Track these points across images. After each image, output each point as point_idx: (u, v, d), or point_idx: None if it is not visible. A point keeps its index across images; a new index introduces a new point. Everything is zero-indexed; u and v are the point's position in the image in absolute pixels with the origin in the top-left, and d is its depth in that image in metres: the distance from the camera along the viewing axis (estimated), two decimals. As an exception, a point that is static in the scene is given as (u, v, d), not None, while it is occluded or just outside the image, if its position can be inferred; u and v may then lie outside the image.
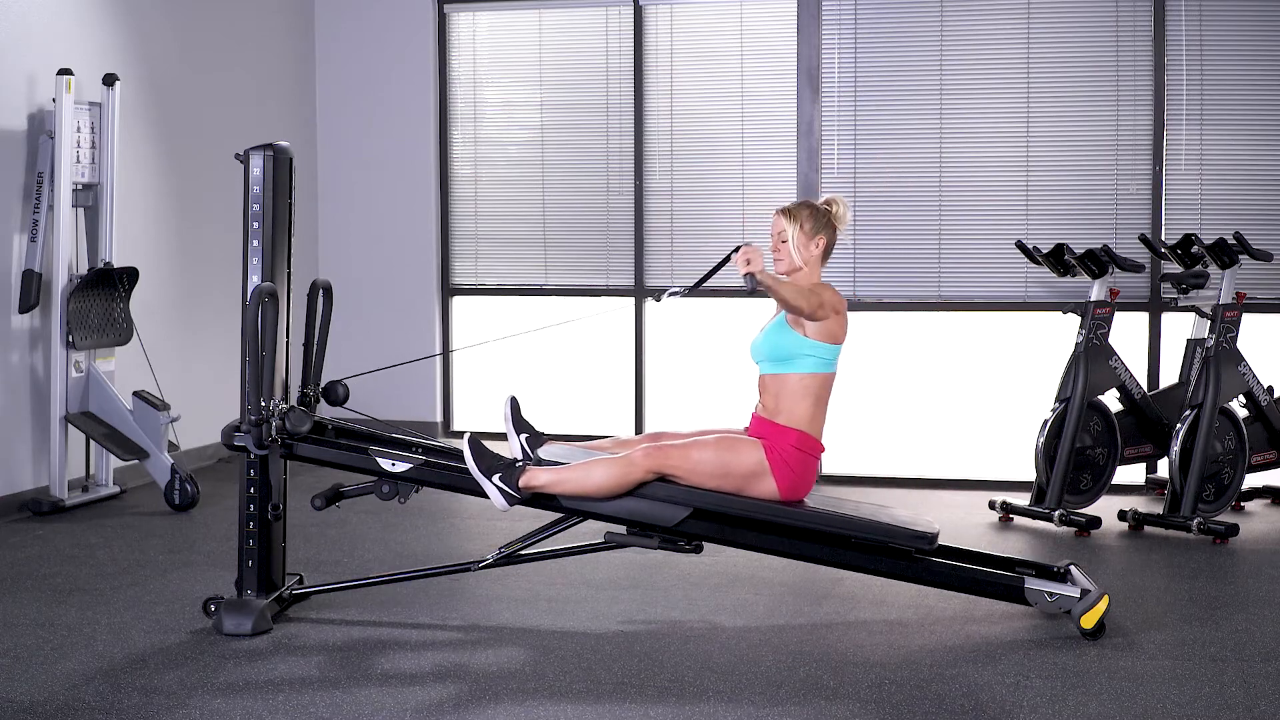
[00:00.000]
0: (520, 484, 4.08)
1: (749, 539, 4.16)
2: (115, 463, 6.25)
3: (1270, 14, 6.55)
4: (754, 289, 4.05)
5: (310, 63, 8.04)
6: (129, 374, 6.28)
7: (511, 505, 4.11)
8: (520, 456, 4.24)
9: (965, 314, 6.91)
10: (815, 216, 4.26)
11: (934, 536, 4.12)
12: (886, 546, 4.13)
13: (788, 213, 4.27)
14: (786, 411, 4.15)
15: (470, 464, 4.10)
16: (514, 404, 4.33)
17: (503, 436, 4.38)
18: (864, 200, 7.00)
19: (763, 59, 7.35)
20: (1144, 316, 6.67)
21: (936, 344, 6.96)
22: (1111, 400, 6.01)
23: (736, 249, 4.12)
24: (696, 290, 4.42)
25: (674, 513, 4.09)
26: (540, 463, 4.18)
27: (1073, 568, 4.33)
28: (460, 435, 7.73)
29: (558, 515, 4.29)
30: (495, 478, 4.08)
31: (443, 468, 4.25)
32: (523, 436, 4.29)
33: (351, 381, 4.52)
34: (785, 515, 4.11)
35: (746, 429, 4.26)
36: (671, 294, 4.40)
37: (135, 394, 6.08)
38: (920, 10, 6.93)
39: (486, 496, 4.11)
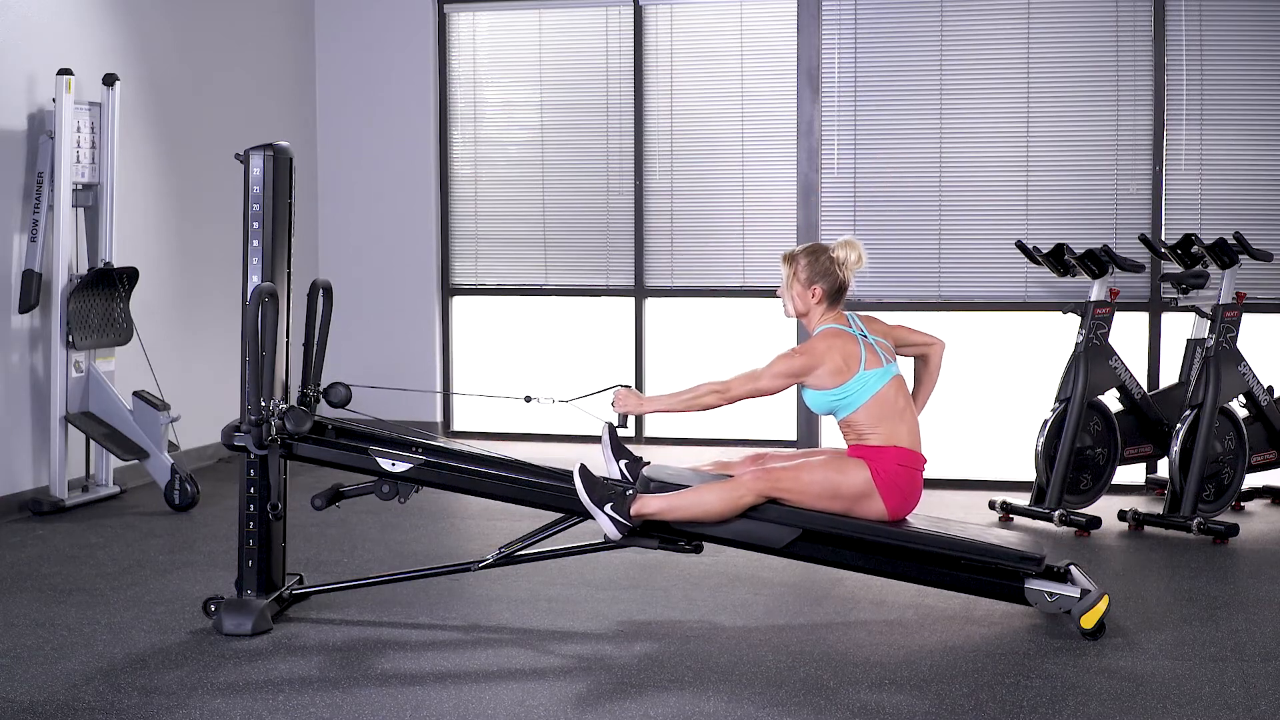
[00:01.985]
0: (632, 512, 4.09)
1: (857, 560, 4.19)
2: (115, 463, 6.25)
3: (1270, 14, 6.55)
4: (623, 424, 4.27)
5: (310, 63, 8.04)
6: (129, 374, 6.28)
7: (624, 535, 4.11)
8: (622, 481, 4.26)
9: (965, 314, 6.91)
10: (813, 265, 4.26)
11: (1042, 559, 4.15)
12: (994, 567, 4.15)
13: (787, 259, 4.31)
14: (871, 436, 4.18)
15: (582, 494, 4.10)
16: (612, 430, 4.34)
17: (505, 438, 4.37)
18: (864, 200, 7.01)
19: (763, 59, 7.35)
20: (1144, 316, 6.67)
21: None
22: (1111, 400, 6.01)
23: (613, 387, 4.30)
24: (573, 401, 4.45)
25: (784, 534, 4.11)
26: (646, 487, 4.18)
27: (1073, 568, 4.33)
28: (460, 436, 7.74)
29: (558, 515, 4.29)
30: (607, 507, 4.09)
31: (443, 468, 4.25)
32: (622, 462, 4.31)
33: (351, 382, 4.52)
34: (893, 536, 4.13)
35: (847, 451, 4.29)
36: (543, 400, 4.51)
37: (135, 394, 6.08)
38: (920, 10, 6.93)
39: (595, 522, 4.14)
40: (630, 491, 4.14)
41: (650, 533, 4.15)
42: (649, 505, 4.09)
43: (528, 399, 4.49)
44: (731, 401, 4.21)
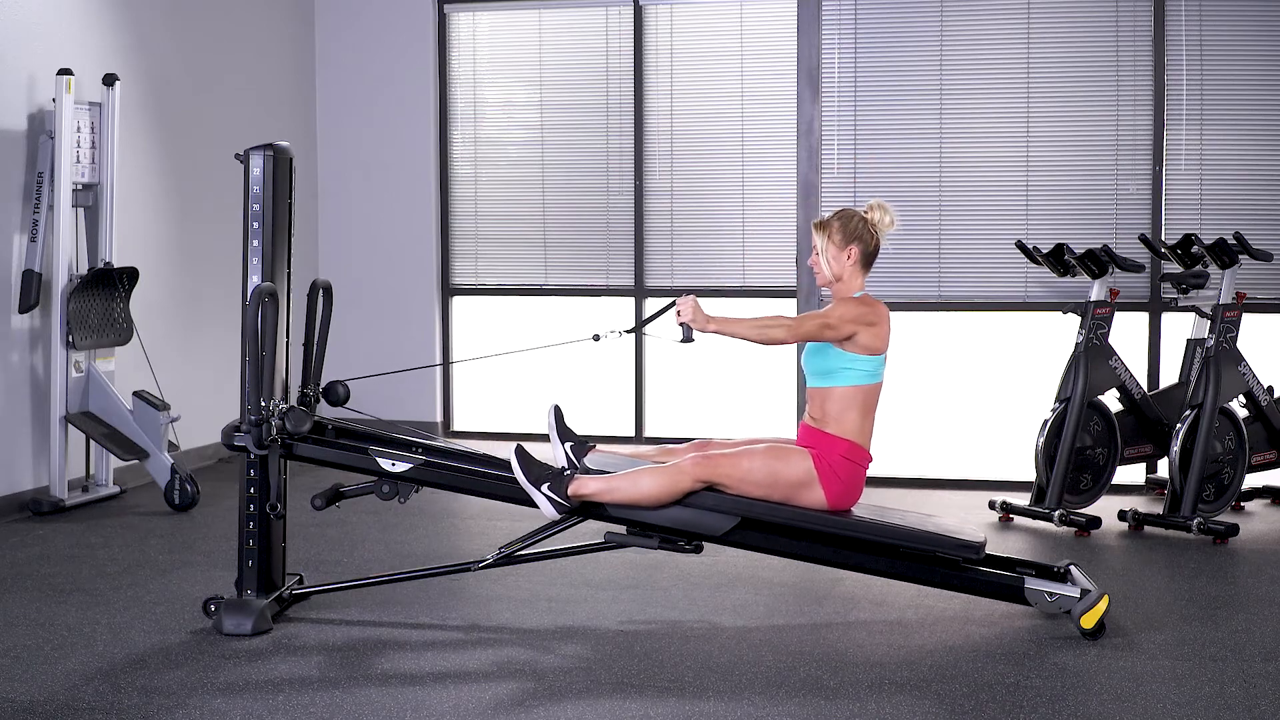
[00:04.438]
0: (569, 493, 4.08)
1: (797, 548, 4.18)
2: (115, 463, 6.25)
3: (1270, 14, 6.55)
4: (687, 339, 4.20)
5: (310, 63, 8.04)
6: (129, 374, 6.28)
7: (561, 514, 4.11)
8: (566, 465, 4.23)
9: (965, 314, 6.91)
10: (846, 226, 4.24)
11: (981, 546, 4.14)
12: (934, 555, 4.14)
13: (819, 225, 4.29)
14: (834, 422, 4.16)
15: (518, 474, 4.10)
16: (557, 412, 4.32)
17: (505, 438, 4.37)
18: (864, 200, 6.98)
19: (763, 59, 7.35)
20: (1144, 316, 6.67)
21: (936, 344, 6.96)
22: (1111, 400, 6.01)
23: (676, 301, 4.24)
24: (637, 331, 4.41)
25: (722, 522, 4.10)
26: (588, 471, 4.17)
27: (1073, 568, 4.33)
28: (460, 436, 7.75)
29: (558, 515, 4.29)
30: (544, 487, 4.08)
31: (443, 468, 4.25)
32: (567, 445, 4.29)
33: (352, 381, 4.52)
34: (833, 525, 4.12)
35: (796, 437, 4.27)
36: (610, 334, 4.48)
37: (135, 394, 6.08)
38: (920, 10, 6.93)
39: (535, 506, 4.12)
40: (569, 472, 4.14)
41: (588, 514, 4.13)
42: (586, 486, 4.08)
43: (596, 338, 4.46)
44: (798, 340, 4.16)
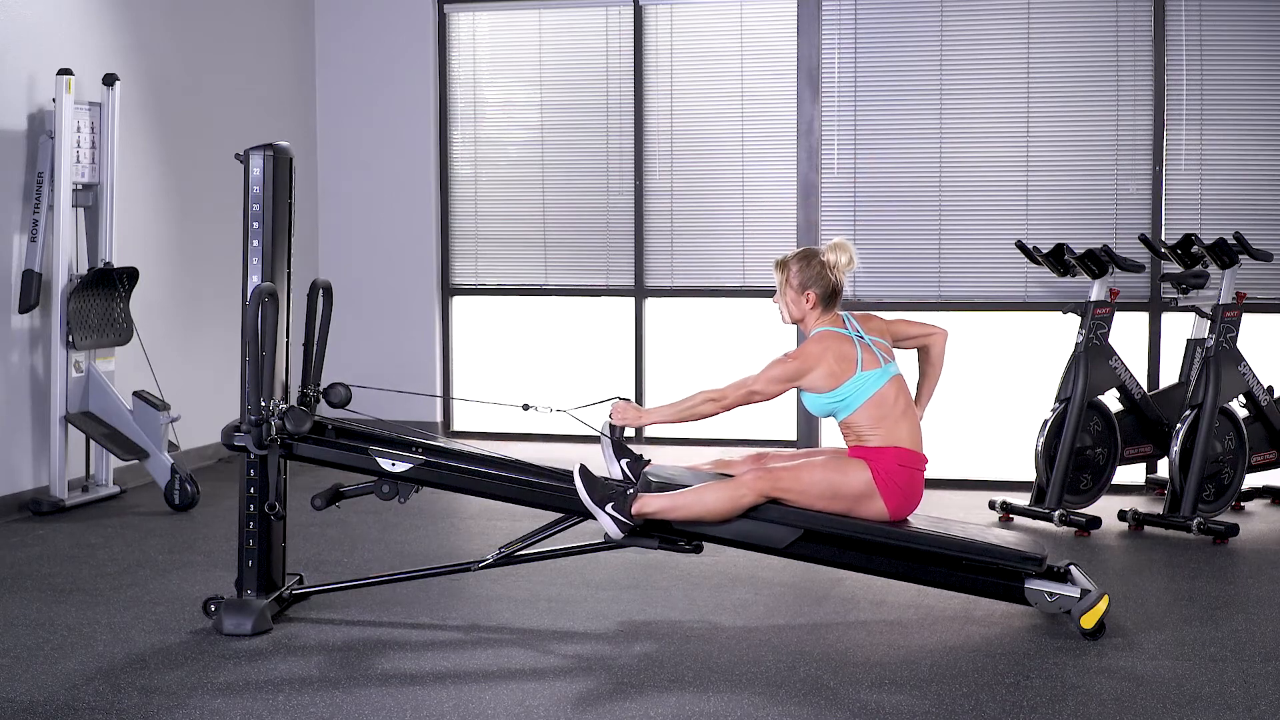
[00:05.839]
0: (634, 511, 4.09)
1: (859, 560, 4.19)
2: (115, 463, 6.25)
3: (1270, 14, 6.55)
4: (617, 438, 4.26)
5: (310, 63, 8.05)
6: (129, 374, 6.28)
7: (625, 535, 4.11)
8: (624, 481, 4.25)
9: (965, 314, 6.91)
10: (804, 272, 4.25)
11: (1043, 559, 4.15)
12: (994, 567, 4.15)
13: (779, 266, 4.31)
14: (870, 438, 4.18)
15: (582, 494, 4.10)
16: (612, 430, 4.32)
17: (505, 438, 4.37)
18: (864, 200, 7.00)
19: (763, 59, 7.35)
20: (1144, 316, 6.67)
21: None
22: (1111, 400, 6.01)
23: (613, 398, 4.31)
24: (568, 412, 4.39)
25: (785, 534, 4.12)
26: (649, 487, 4.17)
27: (1073, 568, 4.33)
28: (460, 436, 7.74)
29: (558, 515, 4.29)
30: (609, 507, 4.09)
31: (443, 468, 4.25)
32: (623, 462, 4.30)
33: (351, 382, 4.52)
34: (895, 536, 4.14)
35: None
36: (540, 409, 4.46)
37: (135, 394, 6.08)
38: (920, 10, 6.93)
39: (597, 521, 4.13)
40: (631, 491, 4.14)
41: (651, 532, 4.15)
42: (650, 504, 4.09)
43: (525, 407, 4.47)
44: (728, 409, 4.21)
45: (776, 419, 7.20)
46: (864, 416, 4.17)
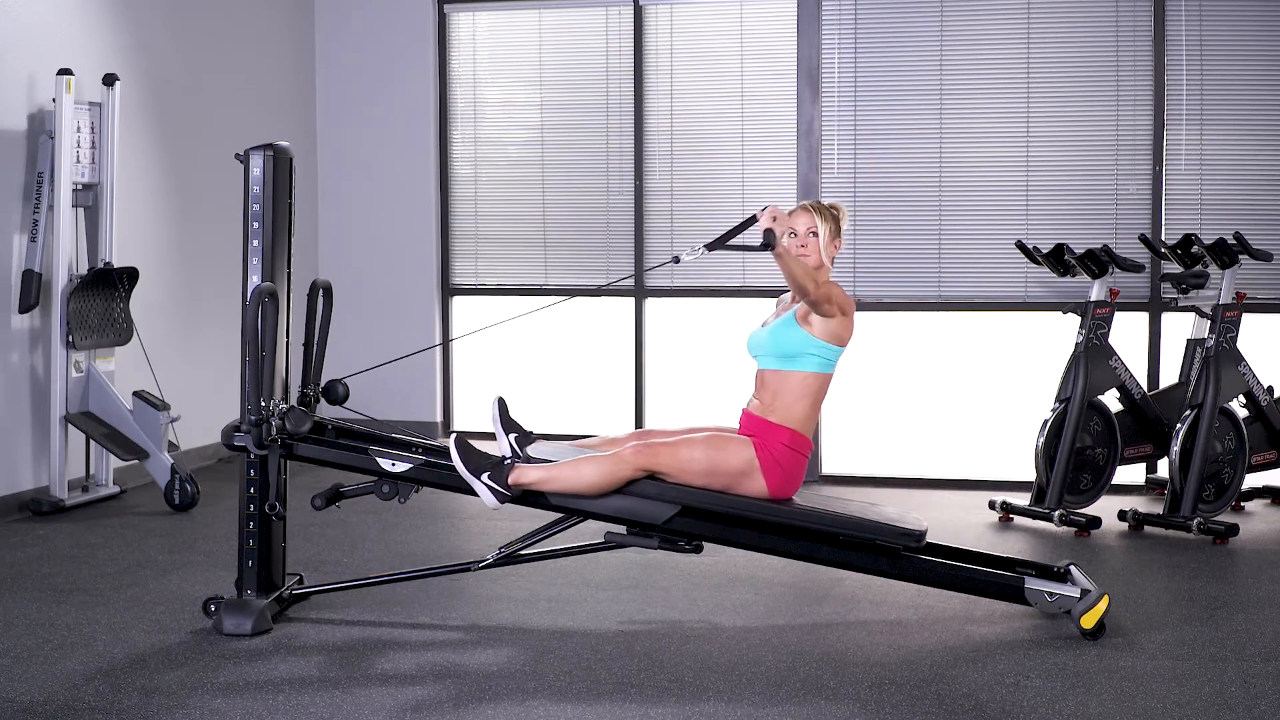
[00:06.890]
0: (510, 482, 4.08)
1: (738, 537, 4.17)
2: (115, 463, 6.25)
3: (1270, 14, 6.55)
4: (767, 245, 4.02)
5: (310, 63, 8.04)
6: (129, 374, 6.28)
7: (502, 503, 4.11)
8: (509, 455, 4.23)
9: (965, 314, 6.91)
10: (840, 225, 4.30)
11: (921, 534, 4.12)
12: (874, 544, 4.13)
13: (821, 210, 4.27)
14: (783, 409, 4.15)
15: (457, 463, 4.10)
16: (501, 404, 4.32)
17: (494, 436, 4.36)
18: (864, 200, 7.00)
19: (763, 59, 7.35)
20: (1144, 316, 6.67)
21: (936, 344, 6.97)
22: (1111, 400, 6.01)
23: (764, 208, 4.16)
24: (717, 247, 4.30)
25: (662, 510, 4.10)
26: (530, 461, 4.18)
27: (1073, 568, 4.33)
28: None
29: (557, 515, 4.29)
30: (484, 476, 4.09)
31: (443, 468, 4.24)
32: (511, 435, 4.27)
33: (351, 381, 4.52)
34: (774, 513, 4.12)
35: (739, 424, 4.26)
36: (691, 253, 4.31)
37: (135, 394, 6.08)
38: (920, 10, 6.93)
39: (477, 495, 4.12)
40: (509, 461, 4.14)
41: (530, 503, 4.13)
42: (527, 475, 4.08)
43: (676, 260, 4.36)
44: (820, 296, 4.06)
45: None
46: (812, 383, 4.15)
